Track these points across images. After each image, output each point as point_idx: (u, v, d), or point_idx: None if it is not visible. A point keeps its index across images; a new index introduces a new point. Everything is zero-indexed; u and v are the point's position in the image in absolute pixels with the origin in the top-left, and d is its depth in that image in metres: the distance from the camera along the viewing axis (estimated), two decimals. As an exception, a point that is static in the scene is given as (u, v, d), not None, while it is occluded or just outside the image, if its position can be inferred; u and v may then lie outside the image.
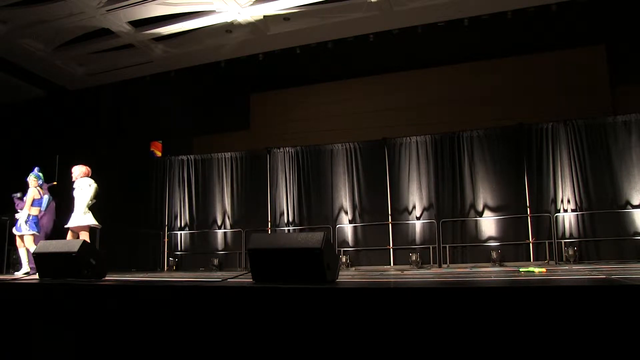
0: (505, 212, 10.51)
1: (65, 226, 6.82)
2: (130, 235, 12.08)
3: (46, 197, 7.26)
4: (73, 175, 6.93)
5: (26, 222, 6.88)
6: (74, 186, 6.88)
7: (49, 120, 12.01)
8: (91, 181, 6.89)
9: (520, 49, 11.48)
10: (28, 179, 7.17)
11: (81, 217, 6.72)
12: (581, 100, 10.92)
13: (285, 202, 12.03)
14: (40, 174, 7.27)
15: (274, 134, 13.09)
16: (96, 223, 6.80)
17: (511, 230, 10.42)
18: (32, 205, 6.98)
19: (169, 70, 11.73)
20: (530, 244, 10.16)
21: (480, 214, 10.65)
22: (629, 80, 10.79)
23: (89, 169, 6.98)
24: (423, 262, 10.33)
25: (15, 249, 7.59)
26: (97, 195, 6.86)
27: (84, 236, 6.58)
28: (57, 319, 3.55)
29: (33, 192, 7.05)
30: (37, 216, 7.02)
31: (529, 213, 10.30)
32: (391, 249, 10.99)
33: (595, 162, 10.11)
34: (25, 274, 6.71)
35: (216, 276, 6.62)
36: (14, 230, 7.03)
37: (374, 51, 11.28)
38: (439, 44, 11.03)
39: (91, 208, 6.87)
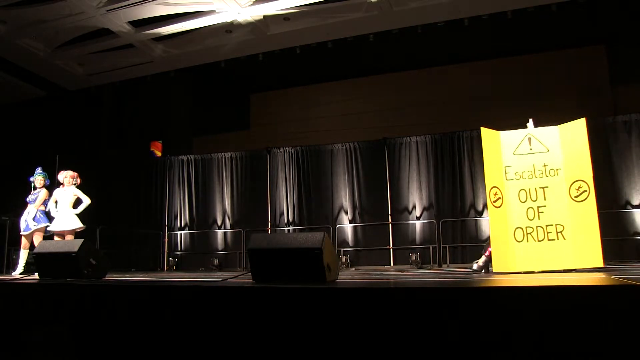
0: (505, 212, 10.49)
1: (49, 229, 6.86)
2: (130, 235, 12.10)
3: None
4: (62, 178, 6.99)
5: (33, 218, 6.92)
6: (63, 189, 6.95)
7: (49, 120, 12.01)
8: (80, 192, 6.96)
9: (520, 49, 11.48)
10: (33, 180, 7.17)
11: (66, 220, 6.76)
12: (581, 100, 10.92)
13: (285, 202, 12.01)
14: (45, 173, 7.31)
15: (274, 134, 13.09)
16: (81, 225, 6.84)
17: (511, 230, 10.40)
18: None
19: (169, 70, 11.73)
20: (530, 244, 10.14)
21: (480, 214, 10.64)
22: (629, 80, 10.79)
23: (75, 174, 7.07)
24: (423, 262, 10.32)
25: (17, 249, 7.58)
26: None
27: (69, 239, 6.59)
28: (57, 319, 3.55)
29: (45, 192, 7.10)
30: (44, 210, 7.10)
31: (529, 213, 10.28)
32: (391, 249, 10.99)
33: (595, 162, 10.06)
34: (20, 274, 6.71)
35: (216, 276, 6.60)
36: (22, 232, 6.98)
37: (374, 51, 11.29)
38: (439, 44, 11.04)
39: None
